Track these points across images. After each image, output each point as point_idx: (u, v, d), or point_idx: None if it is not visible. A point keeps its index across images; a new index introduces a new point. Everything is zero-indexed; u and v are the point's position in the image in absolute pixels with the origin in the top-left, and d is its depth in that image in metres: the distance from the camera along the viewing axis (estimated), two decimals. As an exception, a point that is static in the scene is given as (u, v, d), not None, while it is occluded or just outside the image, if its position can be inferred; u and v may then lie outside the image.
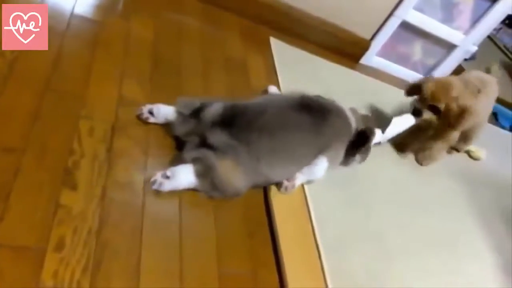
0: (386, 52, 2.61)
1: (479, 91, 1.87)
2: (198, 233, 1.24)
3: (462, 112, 1.75)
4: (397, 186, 1.86)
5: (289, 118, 1.44)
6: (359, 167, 1.74)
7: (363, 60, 2.59)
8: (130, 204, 1.19)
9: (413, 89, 1.87)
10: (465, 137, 2.15)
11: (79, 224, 1.07)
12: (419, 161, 2.05)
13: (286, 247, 1.32)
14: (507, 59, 4.17)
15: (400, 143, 2.01)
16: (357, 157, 1.68)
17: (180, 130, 1.41)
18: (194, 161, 1.30)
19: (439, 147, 2.01)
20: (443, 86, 1.77)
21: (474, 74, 2.02)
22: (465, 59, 3.04)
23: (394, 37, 2.52)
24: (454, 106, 1.76)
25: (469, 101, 1.76)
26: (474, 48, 2.64)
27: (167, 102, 1.46)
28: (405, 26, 2.48)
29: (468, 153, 2.32)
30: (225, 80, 1.80)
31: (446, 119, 1.80)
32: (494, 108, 3.01)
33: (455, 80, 1.82)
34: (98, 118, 1.33)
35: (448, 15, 2.48)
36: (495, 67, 2.27)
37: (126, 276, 1.05)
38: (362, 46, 2.53)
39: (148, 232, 1.15)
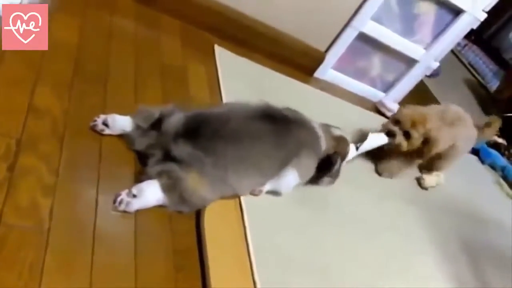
0: (343, 66, 2.58)
1: (452, 123, 2.12)
2: (113, 268, 1.14)
3: (428, 142, 2.00)
4: (347, 211, 1.80)
5: (253, 128, 1.46)
6: (307, 190, 1.69)
7: (318, 74, 2.55)
8: (32, 233, 1.08)
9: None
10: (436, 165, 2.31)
11: (-38, 258, 0.96)
12: (378, 171, 2.13)
13: (217, 281, 1.23)
14: (471, 77, 4.24)
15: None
16: (326, 178, 1.73)
17: (140, 144, 1.40)
18: (159, 175, 1.30)
19: (400, 165, 2.13)
20: (422, 116, 1.97)
21: (454, 109, 2.22)
22: (427, 76, 3.05)
23: (351, 49, 2.49)
24: (426, 136, 1.99)
25: (437, 133, 2.00)
26: (436, 64, 2.63)
27: (89, 113, 1.40)
28: (363, 38, 2.45)
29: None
30: (160, 90, 1.71)
31: (414, 146, 2.01)
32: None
33: (430, 111, 2.06)
34: (0, 131, 1.22)
35: (408, 28, 2.47)
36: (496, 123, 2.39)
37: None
38: (316, 58, 2.48)
39: (50, 268, 1.04)
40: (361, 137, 1.96)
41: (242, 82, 2.05)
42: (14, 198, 1.11)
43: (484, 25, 2.74)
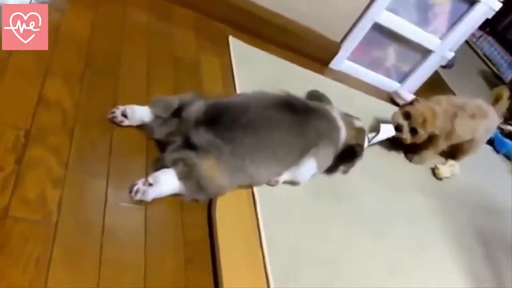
0: (358, 56, 2.50)
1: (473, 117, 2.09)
2: (122, 261, 1.08)
3: (432, 139, 2.03)
4: (361, 202, 1.73)
5: (272, 117, 1.42)
6: (320, 181, 1.62)
7: (333, 65, 2.47)
8: (39, 226, 1.03)
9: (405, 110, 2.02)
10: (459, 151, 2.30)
11: (-33, 253, 0.91)
12: (409, 158, 2.18)
13: (228, 273, 1.18)
14: (486, 68, 4.12)
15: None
16: (340, 168, 1.70)
17: (160, 133, 1.37)
18: (175, 163, 1.27)
19: (429, 152, 2.15)
20: (432, 114, 1.95)
21: (476, 102, 2.17)
22: (442, 66, 2.96)
23: (366, 40, 2.41)
24: (435, 134, 2.00)
25: (442, 129, 2.01)
26: (451, 54, 2.53)
27: (100, 106, 1.36)
28: (378, 28, 2.36)
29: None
30: (173, 83, 1.65)
31: (419, 141, 2.02)
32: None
33: (438, 107, 1.99)
34: (8, 122, 1.17)
35: (423, 18, 2.37)
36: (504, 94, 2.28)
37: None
38: (331, 49, 2.41)
39: (57, 262, 0.99)
40: (374, 129, 1.95)
41: (257, 73, 1.98)
42: (22, 190, 1.07)
43: (499, 17, 2.63)
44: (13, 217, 1.01)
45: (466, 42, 3.69)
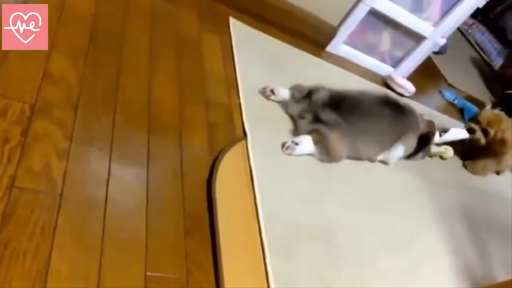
0: (354, 41, 2.47)
1: None
2: (125, 230, 1.09)
3: (502, 142, 2.22)
4: (354, 182, 1.73)
5: (378, 109, 1.77)
6: (315, 162, 1.64)
7: (329, 48, 2.45)
8: (44, 196, 1.03)
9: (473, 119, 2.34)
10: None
11: (-25, 220, 0.91)
12: (467, 167, 2.34)
13: (226, 246, 1.18)
14: (476, 55, 4.11)
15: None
16: (420, 154, 1.99)
17: (295, 110, 1.73)
18: (311, 132, 1.62)
19: (487, 165, 2.34)
20: (497, 117, 2.24)
21: None
22: (434, 52, 2.94)
23: (362, 25, 2.39)
24: (499, 136, 2.21)
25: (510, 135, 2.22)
26: (443, 41, 2.52)
27: (103, 82, 1.36)
28: (374, 14, 2.34)
29: (440, 155, 2.23)
30: (175, 61, 1.63)
31: (491, 144, 2.23)
32: (462, 104, 2.95)
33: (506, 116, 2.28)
34: (14, 96, 1.16)
35: (418, 5, 2.36)
36: None
37: (29, 282, 0.89)
38: (328, 32, 2.38)
39: (62, 230, 1.00)
40: (444, 129, 2.16)
41: (256, 54, 1.97)
42: (27, 162, 1.06)
43: (490, 5, 2.62)
44: (19, 187, 1.01)
45: (458, 29, 3.66)
